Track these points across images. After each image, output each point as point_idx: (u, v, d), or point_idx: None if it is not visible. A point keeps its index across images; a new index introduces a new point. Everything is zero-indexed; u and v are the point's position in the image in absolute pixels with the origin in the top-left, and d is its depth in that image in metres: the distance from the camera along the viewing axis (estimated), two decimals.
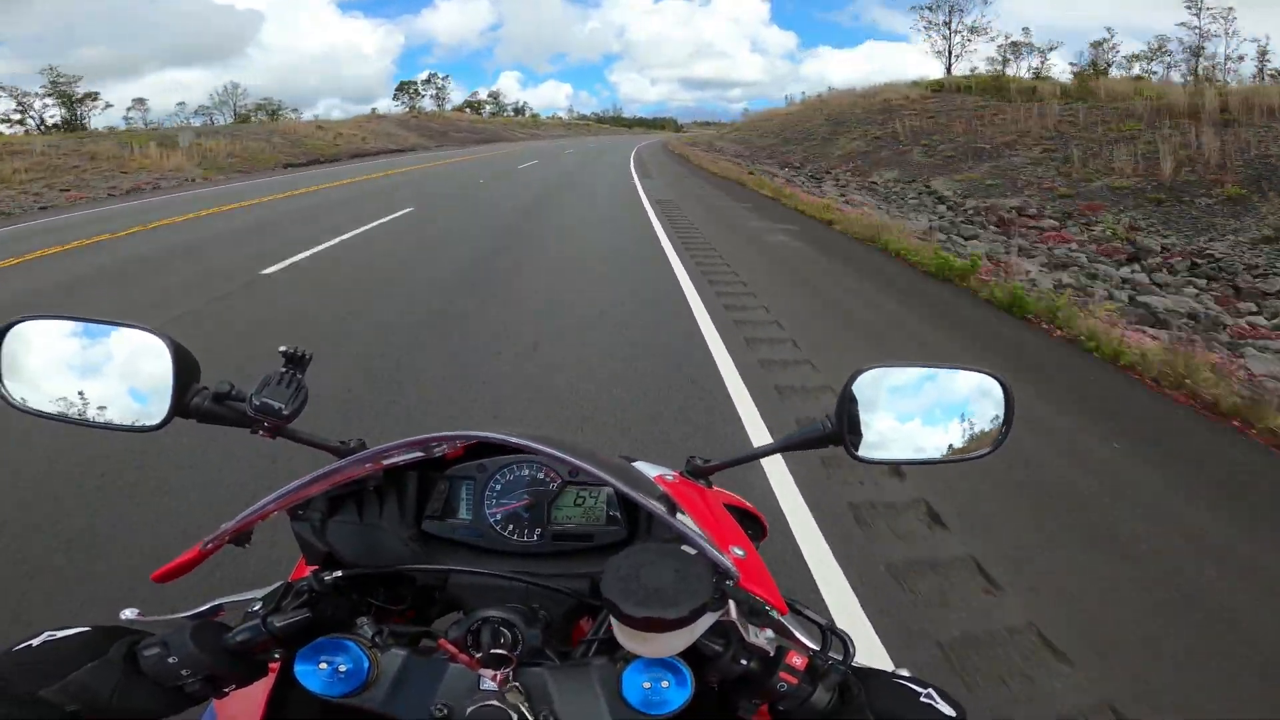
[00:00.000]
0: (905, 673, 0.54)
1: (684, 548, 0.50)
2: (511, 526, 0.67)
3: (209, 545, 0.57)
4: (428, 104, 71.70)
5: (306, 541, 0.67)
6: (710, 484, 0.81)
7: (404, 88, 75.11)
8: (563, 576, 0.63)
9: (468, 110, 76.29)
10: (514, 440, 0.57)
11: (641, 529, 0.68)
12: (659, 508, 0.53)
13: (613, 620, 0.47)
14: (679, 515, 0.57)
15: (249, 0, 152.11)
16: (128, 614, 0.56)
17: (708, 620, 0.48)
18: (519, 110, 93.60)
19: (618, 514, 0.68)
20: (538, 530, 0.67)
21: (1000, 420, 0.70)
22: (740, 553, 0.58)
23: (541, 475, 0.69)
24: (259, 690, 0.59)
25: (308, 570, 0.73)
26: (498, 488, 0.69)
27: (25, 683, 0.46)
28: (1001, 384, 0.70)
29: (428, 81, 77.14)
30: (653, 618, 0.44)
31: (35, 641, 0.49)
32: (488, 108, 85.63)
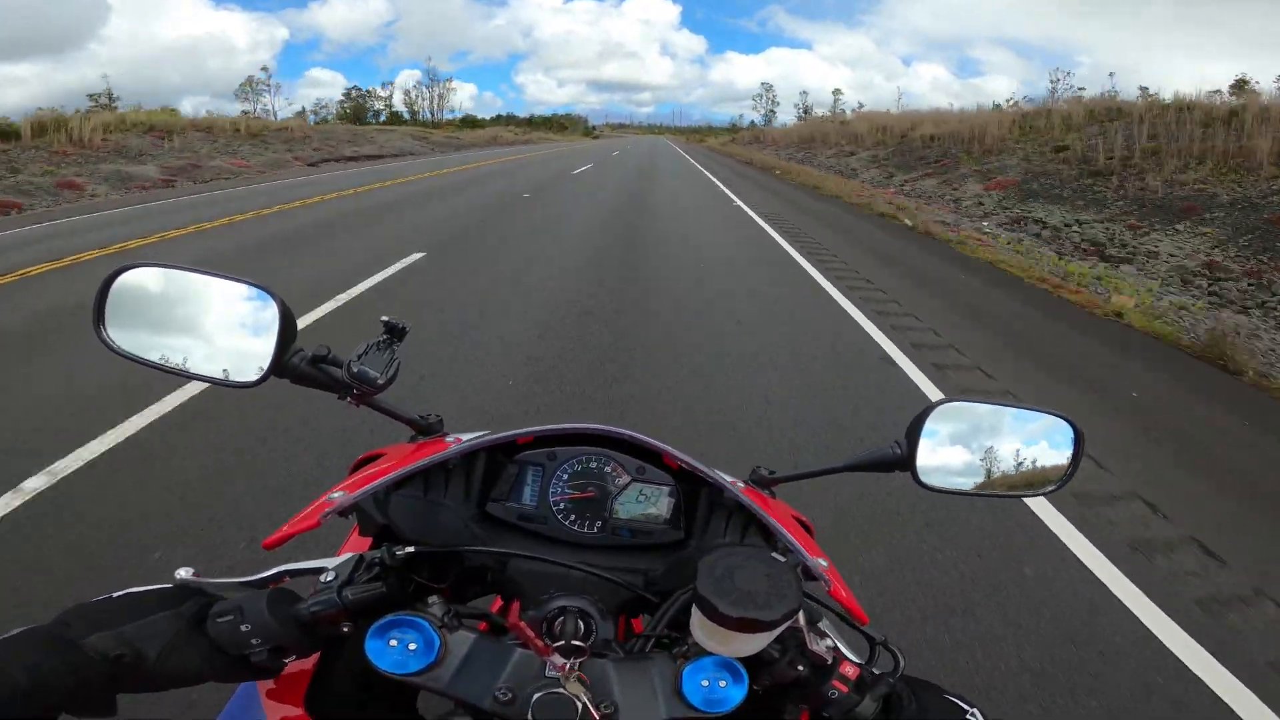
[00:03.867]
0: (950, 692, 0.55)
1: (774, 554, 0.51)
2: (574, 517, 0.68)
3: (326, 517, 0.58)
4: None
5: (365, 512, 0.67)
6: (774, 495, 0.82)
7: None
8: (619, 570, 0.64)
9: None
10: (616, 432, 0.59)
11: (697, 531, 0.69)
12: (770, 519, 0.56)
13: (696, 617, 0.48)
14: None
15: None
16: (182, 573, 0.54)
17: (786, 624, 0.49)
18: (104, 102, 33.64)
19: (678, 515, 0.69)
20: (598, 523, 0.68)
21: (1067, 460, 0.71)
22: (824, 563, 0.60)
23: (609, 470, 0.70)
24: (305, 665, 0.59)
25: (362, 542, 0.73)
26: (565, 477, 0.70)
27: (85, 629, 0.45)
28: (1073, 426, 0.71)
29: None
30: (748, 618, 0.45)
31: (116, 594, 0.49)
32: None
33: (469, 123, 67.93)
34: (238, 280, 0.64)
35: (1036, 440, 0.71)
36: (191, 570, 0.54)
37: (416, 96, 75.75)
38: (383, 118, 65.60)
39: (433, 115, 73.84)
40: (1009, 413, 0.73)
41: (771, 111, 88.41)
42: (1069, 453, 0.71)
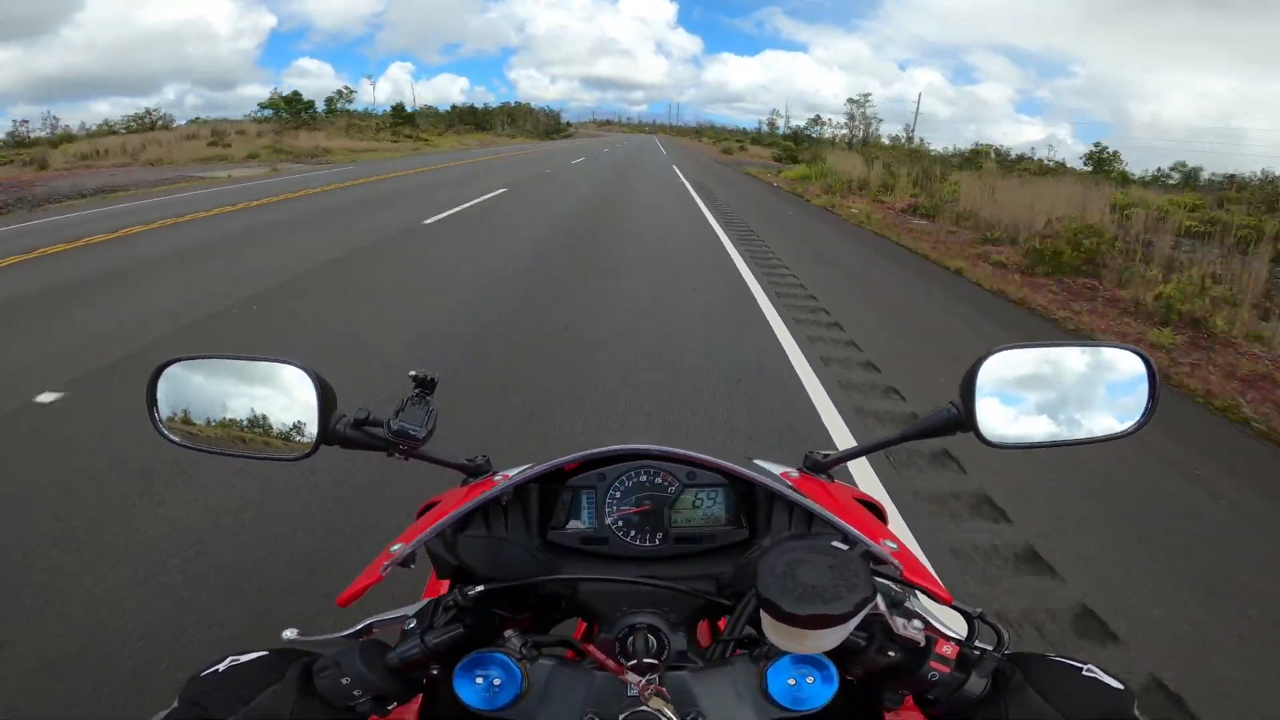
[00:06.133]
0: (1058, 655, 0.52)
1: (834, 543, 0.50)
2: (633, 532, 0.68)
3: (386, 569, 0.60)
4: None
5: (438, 556, 0.69)
6: (831, 478, 0.81)
7: None
8: (688, 579, 0.64)
9: None
10: (657, 450, 0.58)
11: (761, 528, 0.68)
12: (820, 509, 0.54)
13: (765, 619, 0.46)
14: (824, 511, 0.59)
15: None
16: (289, 634, 0.57)
17: (861, 613, 0.47)
18: None
19: (738, 514, 0.68)
20: (658, 534, 0.68)
21: (1144, 396, 0.67)
22: (892, 545, 0.58)
23: (659, 480, 0.69)
24: (409, 710, 0.60)
25: (440, 585, 0.74)
26: (617, 495, 0.70)
27: (218, 708, 0.48)
28: (1143, 358, 0.67)
29: None
30: (816, 614, 0.43)
31: (221, 666, 0.51)
32: None
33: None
34: (272, 360, 0.66)
35: (1101, 377, 0.67)
36: (296, 631, 0.57)
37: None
38: None
39: None
40: (1064, 352, 0.69)
41: (853, 123, 51.59)
42: (1143, 386, 0.67)
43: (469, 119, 64.94)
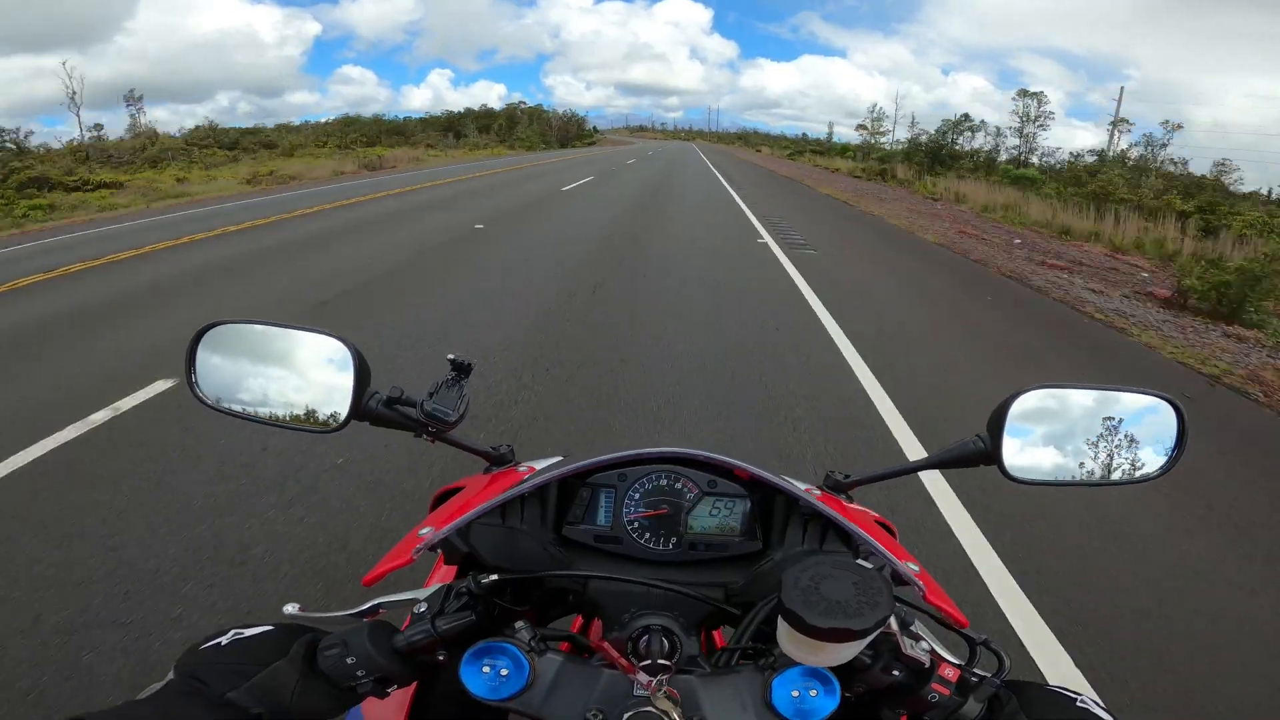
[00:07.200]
0: (1054, 685, 0.53)
1: (859, 560, 0.50)
2: (648, 534, 0.69)
3: (417, 553, 0.60)
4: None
5: (449, 543, 0.69)
6: (851, 499, 0.81)
7: None
8: (698, 585, 0.64)
9: None
10: (684, 453, 0.58)
11: (775, 542, 0.68)
12: (851, 525, 0.55)
13: (783, 629, 0.47)
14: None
15: None
16: (290, 609, 0.57)
17: (877, 631, 0.47)
18: None
19: (753, 526, 0.68)
20: (673, 539, 0.68)
21: (1171, 443, 0.67)
22: (914, 567, 0.59)
23: (679, 485, 0.69)
24: (404, 694, 0.60)
25: (443, 569, 0.74)
26: (636, 496, 0.70)
27: (219, 683, 0.48)
28: (1174, 406, 0.67)
29: None
30: (839, 629, 0.44)
31: (223, 640, 0.51)
32: None
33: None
34: (314, 331, 0.66)
35: (1132, 422, 0.67)
36: (298, 606, 0.57)
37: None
38: None
39: None
40: (1098, 395, 0.69)
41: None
42: (1171, 433, 0.67)
43: (449, 125, 56.28)
